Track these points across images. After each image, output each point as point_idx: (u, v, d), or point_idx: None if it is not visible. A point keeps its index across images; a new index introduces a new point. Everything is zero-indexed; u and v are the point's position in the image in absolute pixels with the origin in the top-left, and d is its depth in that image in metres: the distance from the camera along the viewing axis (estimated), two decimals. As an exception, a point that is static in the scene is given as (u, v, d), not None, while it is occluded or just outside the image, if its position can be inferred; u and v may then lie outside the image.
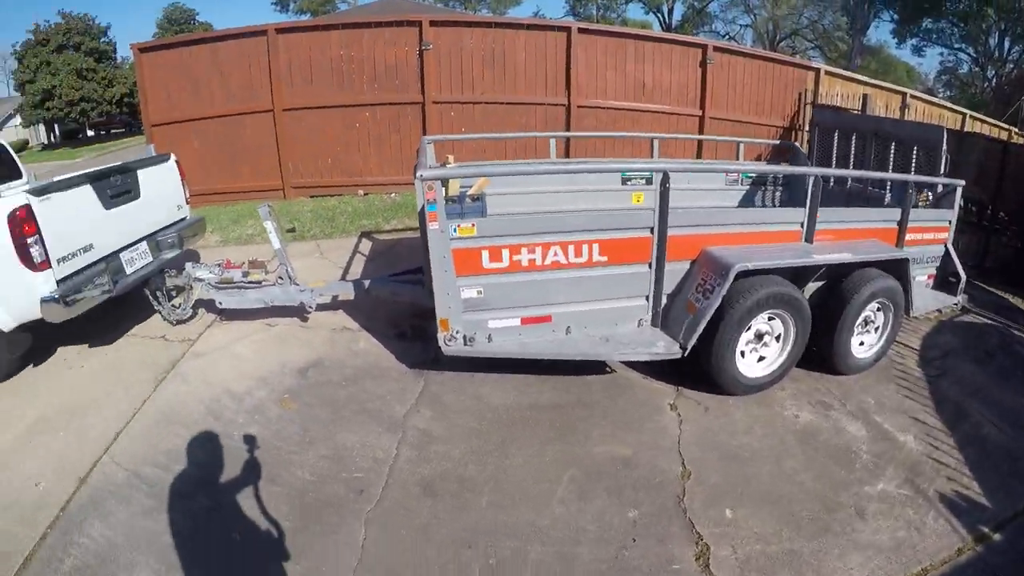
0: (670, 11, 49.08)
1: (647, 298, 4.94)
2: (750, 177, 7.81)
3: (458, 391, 5.31)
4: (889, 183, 6.96)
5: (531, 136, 10.65)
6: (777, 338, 5.08)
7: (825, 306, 5.27)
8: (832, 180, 7.19)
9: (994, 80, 40.08)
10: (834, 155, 7.86)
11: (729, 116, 12.06)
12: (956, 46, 43.06)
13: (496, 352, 4.87)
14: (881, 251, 5.38)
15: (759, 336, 5.01)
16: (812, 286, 5.33)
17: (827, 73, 12.71)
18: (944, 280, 6.52)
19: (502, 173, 6.15)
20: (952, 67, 45.98)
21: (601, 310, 4.92)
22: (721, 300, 4.57)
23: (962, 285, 6.44)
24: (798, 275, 5.08)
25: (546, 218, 4.83)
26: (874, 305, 5.44)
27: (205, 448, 4.89)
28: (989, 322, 7.63)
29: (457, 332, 4.74)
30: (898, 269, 5.43)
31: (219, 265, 6.67)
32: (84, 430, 5.30)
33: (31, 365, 6.48)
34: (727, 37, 47.81)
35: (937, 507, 4.12)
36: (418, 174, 4.43)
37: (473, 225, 4.55)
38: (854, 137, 7.59)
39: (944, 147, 6.55)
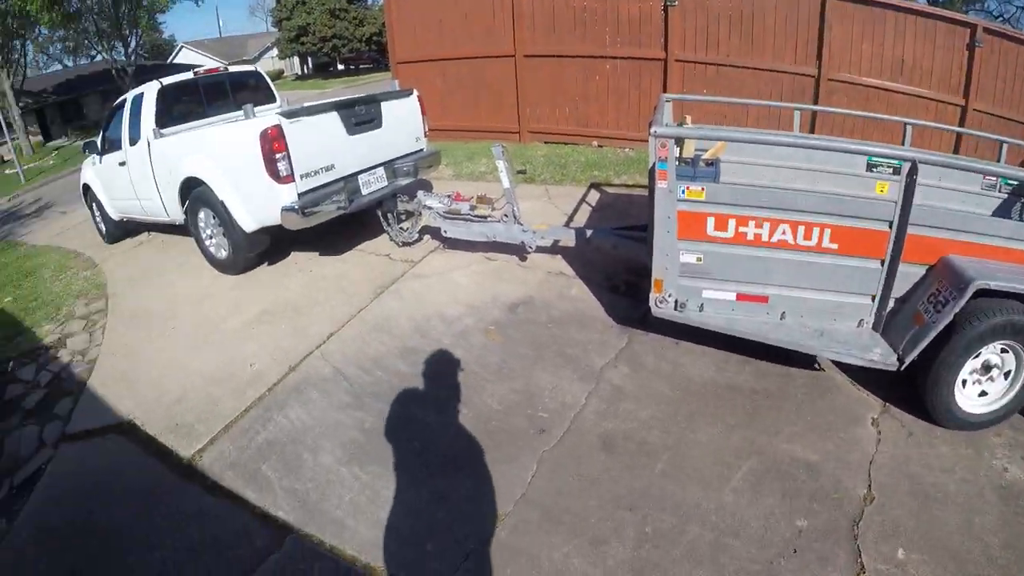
0: (938, -3, 44.61)
1: (873, 298, 4.49)
2: (1010, 184, 7.09)
3: (659, 355, 5.32)
4: None
5: (775, 106, 10.10)
6: (1006, 374, 4.35)
7: None
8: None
9: None
10: None
11: (997, 111, 10.76)
12: None
13: (705, 323, 4.81)
14: None
15: (987, 367, 4.35)
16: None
17: None
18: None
19: (740, 139, 5.92)
20: None
21: (822, 301, 4.59)
22: (953, 317, 4.04)
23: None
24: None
25: (779, 193, 4.70)
26: None
27: (407, 360, 5.43)
28: None
29: (670, 295, 4.79)
30: None
31: (449, 196, 7.20)
32: (302, 326, 6.12)
33: (266, 264, 7.39)
34: (1001, 19, 42.84)
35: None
36: (652, 130, 4.48)
37: (703, 189, 4.49)
38: None
39: None
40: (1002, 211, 6.87)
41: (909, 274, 4.40)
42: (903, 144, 6.94)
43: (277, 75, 51.20)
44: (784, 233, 4.42)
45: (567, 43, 12.02)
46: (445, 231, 6.98)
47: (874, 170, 6.73)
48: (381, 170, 7.43)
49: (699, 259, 4.65)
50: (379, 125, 7.32)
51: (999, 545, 3.59)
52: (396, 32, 13.11)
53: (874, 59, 10.76)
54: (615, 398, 4.79)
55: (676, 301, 4.80)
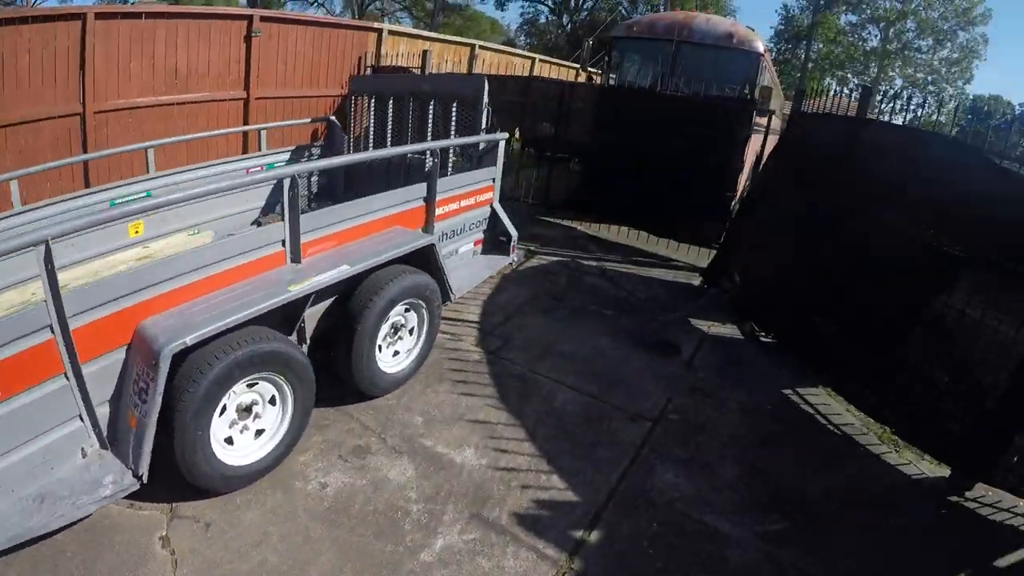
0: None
1: (81, 417, 3.22)
2: (275, 167, 6.69)
3: None
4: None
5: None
6: (272, 401, 3.87)
7: (338, 328, 4.38)
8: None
9: (569, 27, 44.63)
10: (371, 125, 6.99)
11: (280, 93, 10.79)
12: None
13: None
14: (394, 246, 4.55)
15: (246, 409, 3.78)
16: (318, 310, 4.34)
17: (390, 33, 12.05)
18: (495, 241, 5.96)
19: None
20: (532, 18, 49.47)
21: (22, 460, 3.04)
22: (162, 398, 3.21)
23: (514, 242, 6.03)
24: (288, 315, 4.04)
25: None
26: (399, 309, 4.68)
27: None
28: (556, 259, 7.67)
29: None
30: (424, 258, 4.71)
31: None
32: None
33: None
34: (317, 5, 46.43)
35: (516, 536, 3.54)
36: None
37: None
38: (391, 101, 6.76)
39: (485, 99, 5.92)
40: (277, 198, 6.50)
41: (108, 368, 3.29)
42: (148, 171, 5.98)
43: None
44: None
45: None
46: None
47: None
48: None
49: None
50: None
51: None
52: None
53: (145, 75, 9.62)
54: None
55: None
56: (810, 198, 6.44)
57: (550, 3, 46.12)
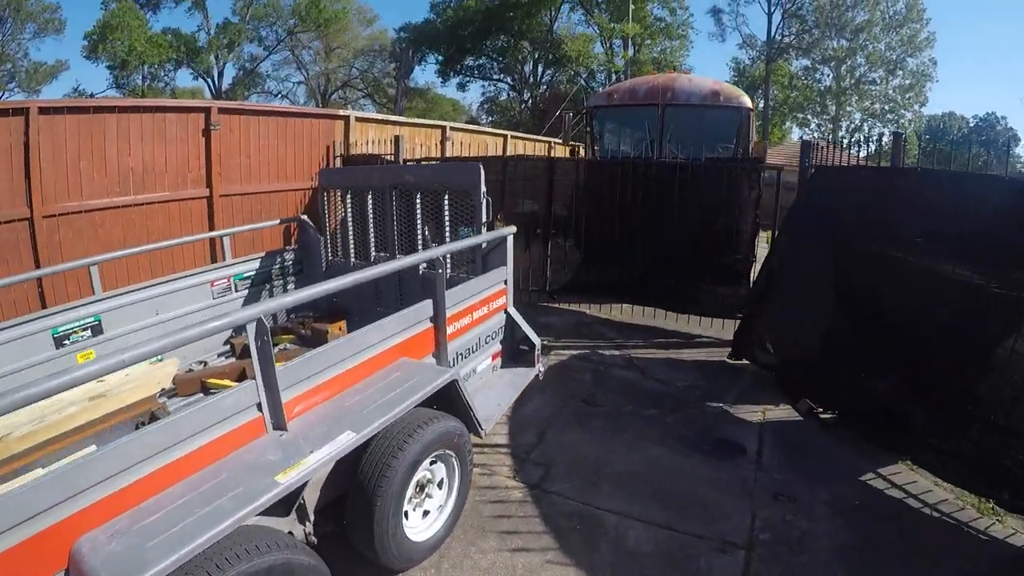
0: (220, 74, 46.30)
1: None
2: (245, 278, 5.87)
3: None
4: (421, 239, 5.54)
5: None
6: None
7: (350, 498, 3.49)
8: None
9: (530, 101, 45.55)
10: (350, 224, 6.18)
11: (245, 189, 9.97)
12: (496, 77, 47.54)
13: None
14: (405, 392, 3.63)
15: None
16: (319, 478, 3.40)
17: (357, 119, 11.33)
18: (515, 351, 5.12)
19: None
20: (493, 96, 49.90)
21: None
22: None
23: (538, 350, 5.13)
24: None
25: None
26: (424, 464, 3.77)
27: None
28: (574, 353, 7.32)
29: None
30: (446, 397, 3.87)
31: None
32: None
33: None
34: (281, 96, 46.70)
35: None
36: None
37: None
38: (370, 197, 5.96)
39: (483, 188, 5.13)
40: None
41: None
42: (93, 291, 5.16)
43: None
44: None
45: None
46: None
47: (67, 342, 4.97)
48: None
49: None
50: None
51: None
52: None
53: (97, 175, 8.77)
54: None
55: None
56: (845, 254, 5.98)
57: (509, 80, 46.91)
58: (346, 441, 3.14)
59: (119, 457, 2.59)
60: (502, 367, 5.17)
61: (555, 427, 5.71)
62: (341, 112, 11.38)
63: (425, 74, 78.27)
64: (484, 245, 5.09)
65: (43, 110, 8.37)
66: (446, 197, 5.36)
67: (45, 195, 8.44)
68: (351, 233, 6.18)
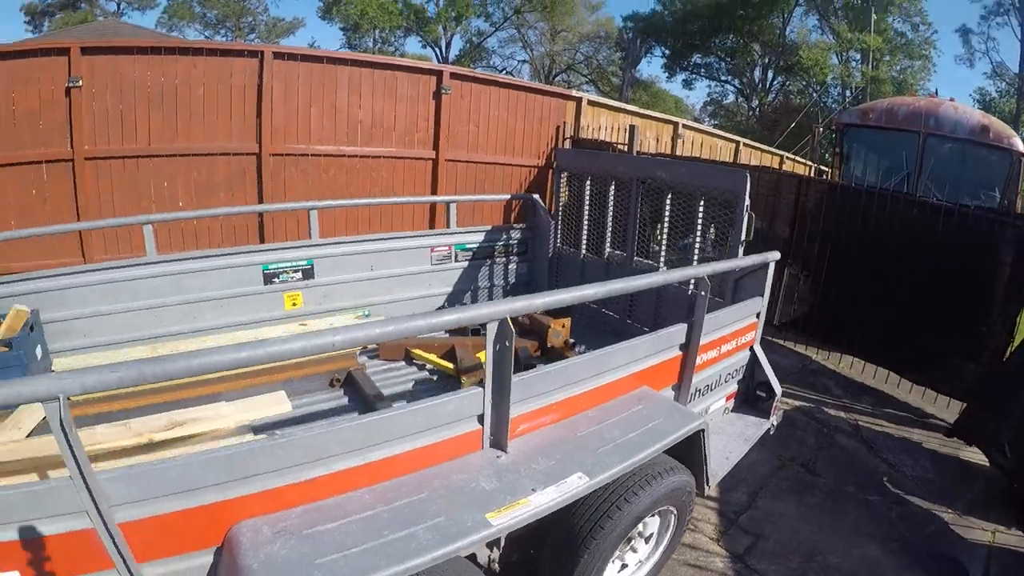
0: (448, 45, 47.57)
1: None
2: (467, 249, 5.46)
3: None
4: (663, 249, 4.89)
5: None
6: None
7: (550, 545, 2.91)
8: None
9: (757, 108, 42.10)
10: (585, 213, 5.55)
11: (471, 157, 9.66)
12: (723, 78, 44.75)
13: None
14: (648, 435, 2.91)
15: None
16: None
17: (590, 103, 10.70)
18: (750, 395, 4.34)
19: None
20: (718, 98, 47.33)
21: None
22: None
23: (777, 400, 4.30)
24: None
25: None
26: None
27: None
28: (798, 404, 6.54)
29: None
30: (685, 446, 3.10)
31: None
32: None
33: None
34: (505, 72, 47.12)
35: None
36: None
37: None
38: (612, 187, 5.30)
39: (747, 201, 4.35)
40: (468, 281, 5.36)
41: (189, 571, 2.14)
42: (309, 234, 4.98)
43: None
44: None
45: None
46: None
47: (277, 279, 4.97)
48: None
49: None
50: None
51: None
52: None
53: (327, 122, 8.85)
54: None
55: None
56: None
57: (736, 83, 44.42)
58: (576, 486, 2.51)
59: (306, 448, 2.20)
60: (733, 410, 4.40)
61: (770, 491, 4.92)
62: (573, 93, 10.83)
63: (651, 67, 76.75)
64: (739, 269, 4.32)
65: (277, 55, 8.57)
66: (701, 203, 4.61)
67: (275, 135, 8.61)
68: (585, 222, 5.58)
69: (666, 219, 4.83)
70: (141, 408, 3.80)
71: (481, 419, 2.54)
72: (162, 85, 8.33)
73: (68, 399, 1.72)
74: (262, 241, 8.73)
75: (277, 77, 8.53)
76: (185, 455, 2.10)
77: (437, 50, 47.41)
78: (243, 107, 8.55)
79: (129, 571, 1.99)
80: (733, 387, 4.26)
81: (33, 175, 8.42)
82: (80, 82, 8.10)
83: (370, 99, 8.91)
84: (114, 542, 1.94)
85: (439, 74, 9.30)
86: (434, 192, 9.36)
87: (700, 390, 3.81)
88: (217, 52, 8.57)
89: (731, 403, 4.32)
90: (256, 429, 3.64)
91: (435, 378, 4.35)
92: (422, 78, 9.22)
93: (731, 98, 46.45)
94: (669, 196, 4.83)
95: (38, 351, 4.42)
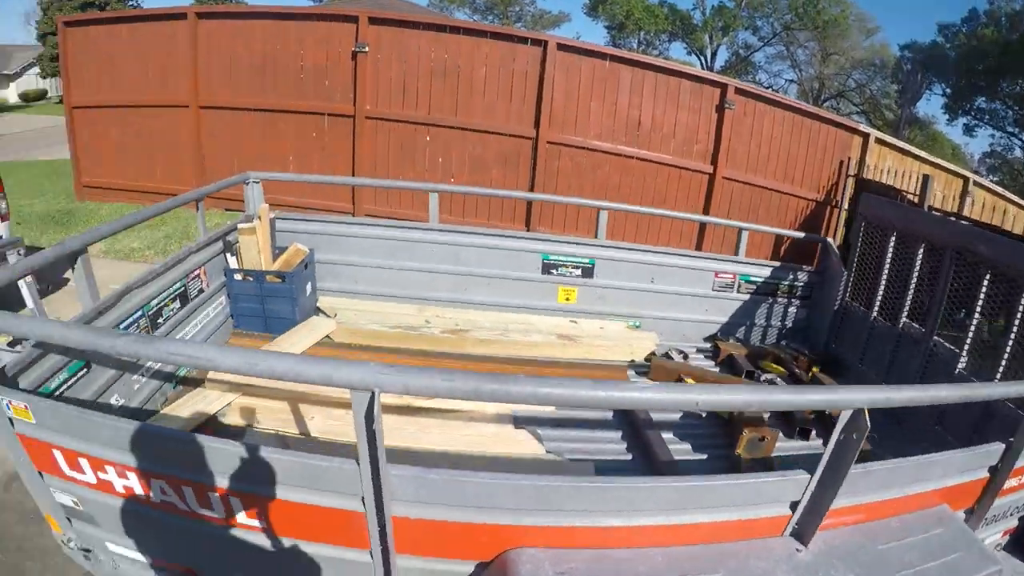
0: (713, 55, 46.32)
1: None
2: (751, 282, 5.17)
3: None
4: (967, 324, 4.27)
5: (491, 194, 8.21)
6: None
7: None
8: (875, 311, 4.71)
9: None
10: (884, 271, 5.02)
11: (748, 178, 9.25)
12: (1009, 130, 38.90)
13: None
14: (951, 572, 2.49)
15: None
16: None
17: (878, 141, 9.84)
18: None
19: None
20: (1002, 152, 41.08)
21: None
22: None
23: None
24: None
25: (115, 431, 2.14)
26: None
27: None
28: None
29: (68, 539, 2.62)
30: None
31: None
32: None
33: None
34: (770, 90, 44.96)
35: None
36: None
37: (27, 407, 2.14)
38: (922, 249, 4.74)
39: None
40: (744, 316, 5.07)
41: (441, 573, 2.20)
42: (596, 233, 4.92)
43: (40, 95, 44.69)
44: (165, 492, 2.16)
45: (246, 93, 9.46)
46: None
47: (555, 271, 5.04)
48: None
49: (76, 503, 2.41)
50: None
51: None
52: (71, 69, 10.10)
53: (605, 119, 8.86)
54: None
55: (81, 548, 2.63)
56: None
57: (1024, 137, 38.00)
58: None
59: (615, 497, 2.11)
60: (1004, 548, 3.80)
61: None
62: (861, 127, 10.04)
63: (929, 105, 70.44)
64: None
65: (561, 46, 8.75)
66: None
67: (553, 123, 8.72)
68: (883, 282, 5.05)
69: (979, 303, 4.23)
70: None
71: (794, 506, 2.30)
72: (444, 61, 8.81)
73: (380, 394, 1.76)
74: (528, 224, 8.92)
75: (559, 68, 8.67)
76: (488, 475, 2.05)
77: (702, 58, 46.36)
78: (523, 92, 8.74)
79: (385, 559, 2.07)
80: (1014, 522, 3.69)
81: (313, 125, 9.23)
82: (367, 48, 8.77)
83: (651, 102, 8.79)
84: (382, 532, 2.02)
85: (723, 87, 9.00)
86: (706, 210, 9.12)
87: (988, 518, 3.32)
88: (502, 36, 8.93)
89: (1007, 539, 3.75)
90: (517, 420, 3.67)
91: (703, 415, 4.11)
92: (705, 88, 8.97)
93: (1017, 152, 40.19)
94: (988, 275, 4.23)
95: (308, 287, 4.74)
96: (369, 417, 1.79)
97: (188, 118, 9.73)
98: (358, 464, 1.91)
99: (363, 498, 1.98)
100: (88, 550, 2.64)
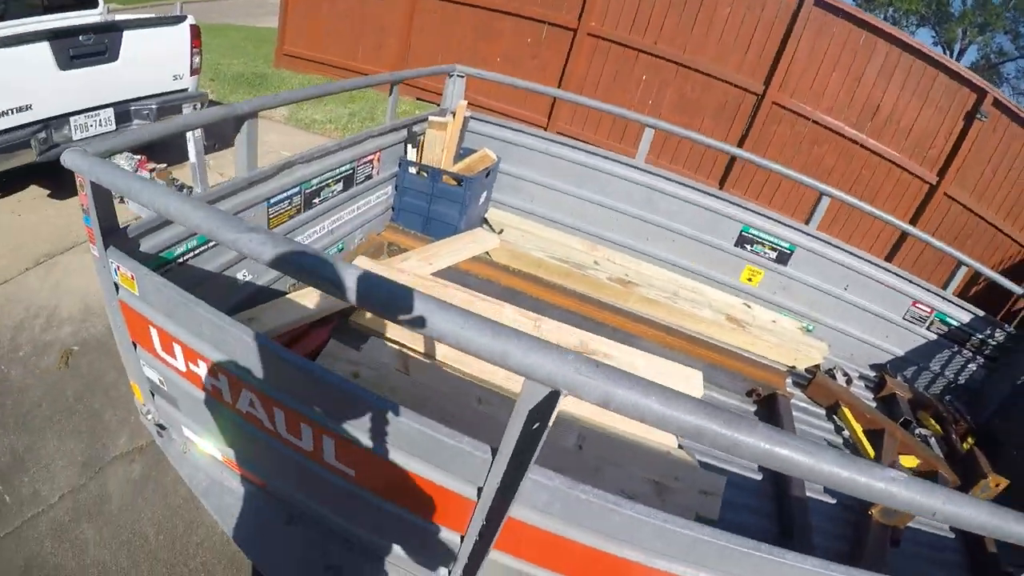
0: (962, 52, 41.99)
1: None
2: (945, 322, 4.56)
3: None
4: None
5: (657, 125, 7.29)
6: None
7: None
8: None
9: None
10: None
11: (974, 206, 8.16)
12: None
13: (190, 479, 2.56)
14: None
15: None
16: None
17: None
18: None
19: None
20: None
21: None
22: None
23: None
24: None
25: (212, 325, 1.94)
26: None
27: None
28: None
29: (148, 412, 2.59)
30: None
31: (137, 159, 5.97)
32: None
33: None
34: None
35: None
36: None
37: (133, 277, 2.04)
38: None
39: None
40: (928, 355, 4.66)
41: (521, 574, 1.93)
42: (808, 221, 4.44)
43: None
44: (253, 406, 1.97)
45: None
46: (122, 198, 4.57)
47: (750, 247, 4.58)
48: (110, 112, 5.87)
49: (161, 382, 2.35)
50: (113, 58, 5.79)
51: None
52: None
53: (842, 93, 8.08)
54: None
55: (157, 423, 2.61)
56: None
57: None
58: None
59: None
60: None
61: None
62: None
63: None
64: None
65: (819, 2, 7.82)
66: None
67: (785, 84, 8.08)
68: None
69: None
70: (558, 309, 3.83)
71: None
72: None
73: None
74: (722, 184, 8.41)
75: (810, 26, 7.90)
76: (636, 508, 1.65)
77: (948, 52, 42.06)
78: (764, 43, 8.12)
79: (477, 549, 1.87)
80: None
81: (531, 31, 8.92)
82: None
83: (897, 88, 7.92)
84: (489, 527, 1.77)
85: (982, 93, 7.83)
86: (913, 221, 8.20)
87: None
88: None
89: None
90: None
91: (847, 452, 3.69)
92: (960, 89, 7.89)
93: None
94: None
95: (483, 197, 4.62)
96: (537, 416, 1.41)
97: (403, 4, 9.71)
98: (492, 456, 1.60)
99: (480, 488, 1.70)
100: (163, 427, 2.63)
